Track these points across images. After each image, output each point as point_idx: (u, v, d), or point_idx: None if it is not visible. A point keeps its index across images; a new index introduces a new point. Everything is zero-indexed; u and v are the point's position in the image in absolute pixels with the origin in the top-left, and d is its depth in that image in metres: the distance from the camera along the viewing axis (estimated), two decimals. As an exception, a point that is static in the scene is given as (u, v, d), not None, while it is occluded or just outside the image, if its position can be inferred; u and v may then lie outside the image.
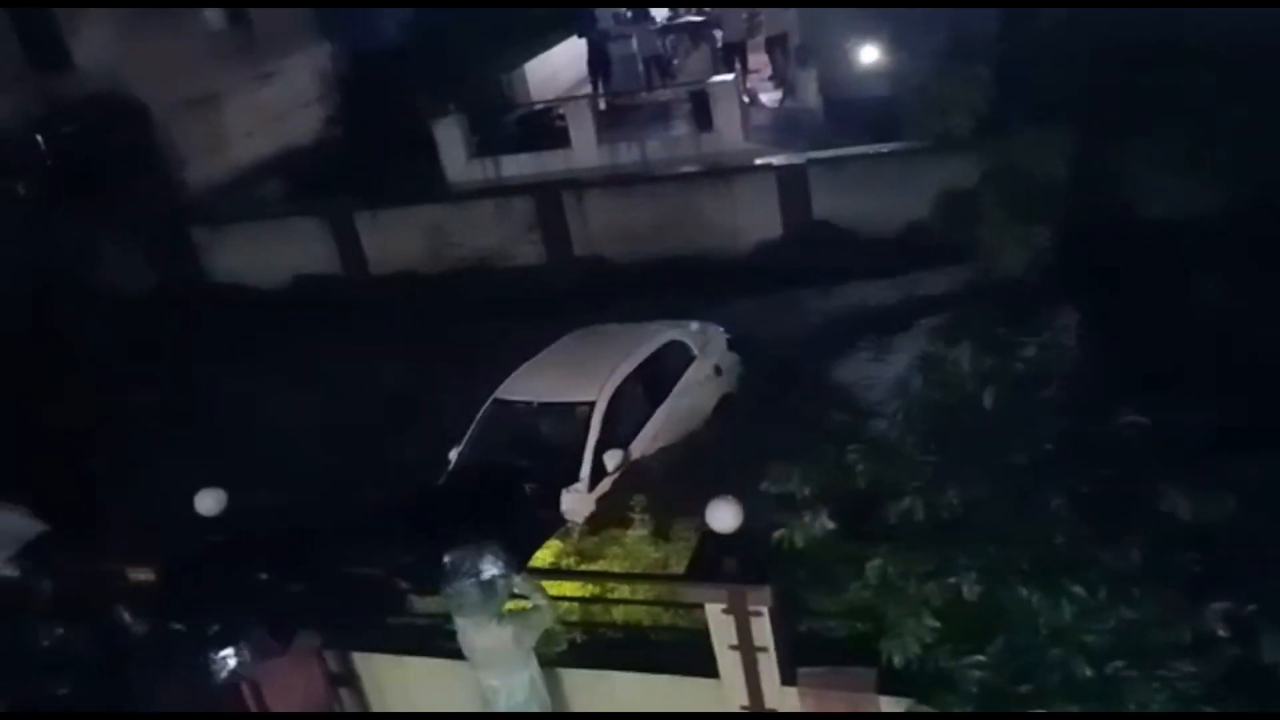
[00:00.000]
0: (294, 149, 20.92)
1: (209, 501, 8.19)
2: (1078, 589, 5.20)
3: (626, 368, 10.34)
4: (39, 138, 18.75)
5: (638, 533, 8.33)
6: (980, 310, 7.48)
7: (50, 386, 14.11)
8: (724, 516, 6.51)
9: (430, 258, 17.25)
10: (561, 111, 19.47)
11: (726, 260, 15.42)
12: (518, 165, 19.03)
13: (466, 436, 10.12)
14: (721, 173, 16.55)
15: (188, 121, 19.79)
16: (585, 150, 18.62)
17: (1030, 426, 5.86)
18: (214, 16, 21.28)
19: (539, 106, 20.67)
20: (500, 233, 17.12)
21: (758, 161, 16.69)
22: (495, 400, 10.21)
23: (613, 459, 9.64)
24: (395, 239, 17.75)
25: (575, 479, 9.50)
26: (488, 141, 19.55)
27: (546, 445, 9.88)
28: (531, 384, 10.38)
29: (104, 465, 11.96)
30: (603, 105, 20.29)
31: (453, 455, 10.08)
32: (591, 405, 9.88)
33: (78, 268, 17.20)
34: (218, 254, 18.68)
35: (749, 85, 19.53)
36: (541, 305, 14.75)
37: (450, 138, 19.23)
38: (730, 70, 19.07)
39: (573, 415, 9.89)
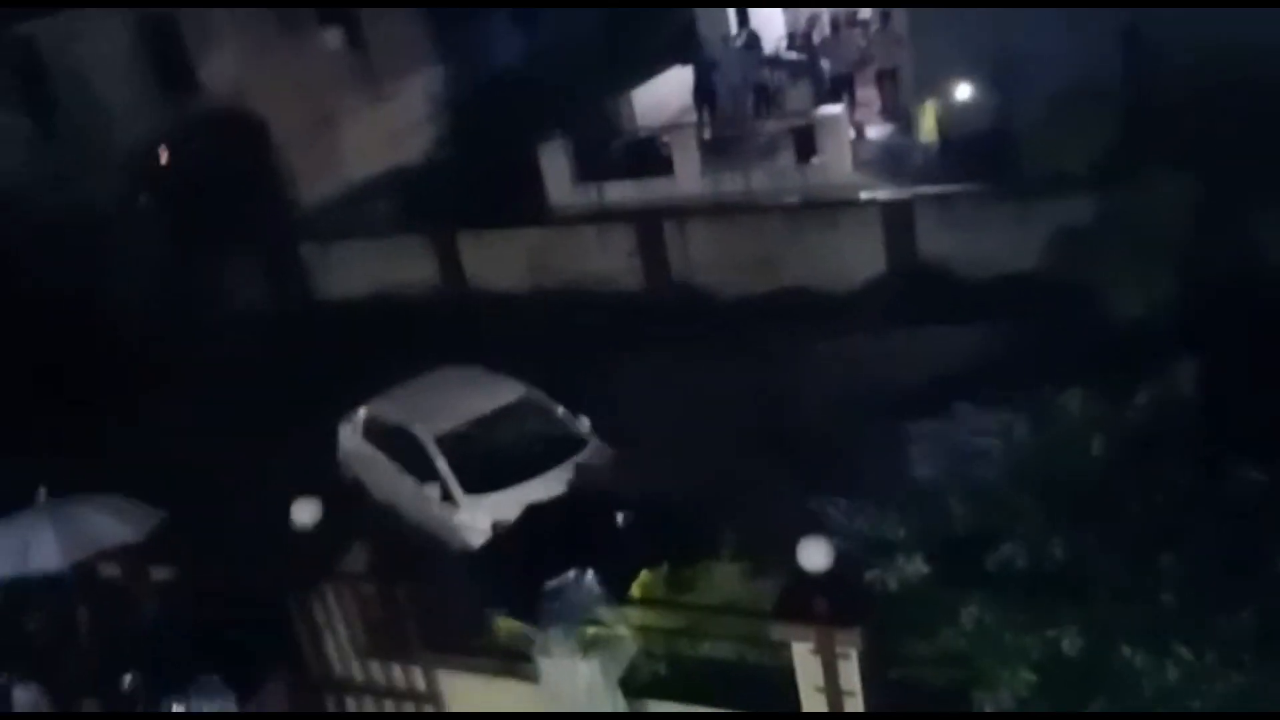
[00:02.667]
0: (404, 169, 21.45)
1: (305, 513, 8.45)
2: (1185, 651, 5.03)
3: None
4: (163, 151, 19.61)
5: (728, 566, 8.30)
6: (1093, 355, 7.31)
7: (156, 391, 14.73)
8: (815, 554, 6.44)
9: (530, 280, 17.51)
10: (666, 139, 19.61)
11: (827, 294, 15.31)
12: (621, 191, 19.21)
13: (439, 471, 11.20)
14: (826, 206, 16.47)
15: (304, 140, 20.49)
16: (689, 179, 18.70)
17: (1141, 478, 5.70)
18: (333, 38, 22.01)
19: (644, 134, 20.86)
20: (600, 258, 17.29)
21: (863, 195, 16.55)
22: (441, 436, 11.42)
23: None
24: (496, 260, 18.07)
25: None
26: (592, 167, 19.78)
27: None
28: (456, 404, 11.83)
29: (200, 477, 12.35)
30: (708, 134, 20.37)
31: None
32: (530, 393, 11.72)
33: (193, 277, 17.95)
34: (325, 270, 19.26)
35: (857, 118, 19.43)
36: (637, 332, 14.92)
37: (555, 162, 19.52)
38: (838, 102, 19.00)
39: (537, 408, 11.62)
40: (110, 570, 9.47)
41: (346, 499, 12.00)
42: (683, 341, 14.54)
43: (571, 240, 17.70)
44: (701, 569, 8.38)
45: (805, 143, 18.25)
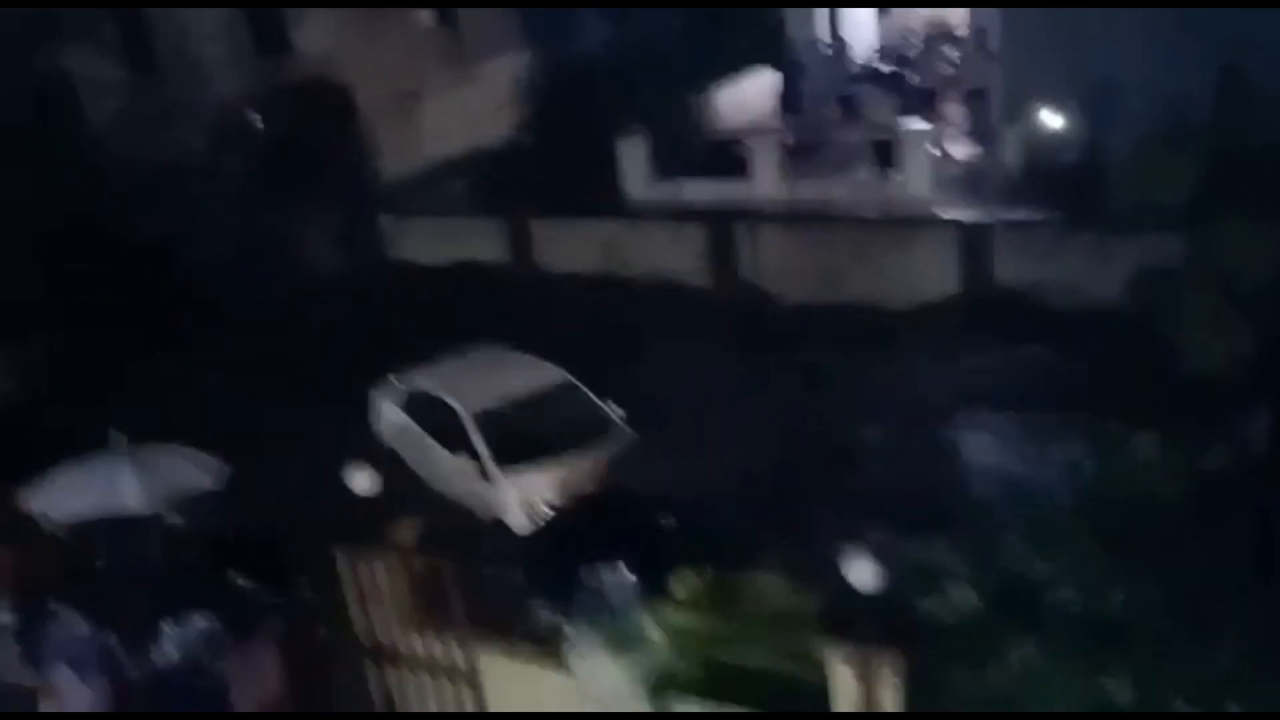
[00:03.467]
0: (483, 151, 21.54)
1: (362, 481, 8.57)
2: (1241, 713, 4.88)
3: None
4: (254, 116, 19.93)
5: (773, 577, 8.22)
6: (1168, 401, 7.13)
7: (219, 345, 15.04)
8: (863, 574, 6.39)
9: (599, 271, 17.53)
10: (747, 142, 19.49)
11: (895, 311, 15.12)
12: (697, 190, 19.11)
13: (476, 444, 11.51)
14: (903, 222, 16.26)
15: (389, 115, 20.69)
16: (766, 183, 18.56)
17: (1208, 531, 5.54)
18: (426, 16, 22.21)
19: (725, 134, 20.74)
20: (670, 255, 17.26)
21: (943, 214, 16.33)
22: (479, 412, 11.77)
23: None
24: (567, 248, 18.12)
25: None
26: (670, 163, 19.71)
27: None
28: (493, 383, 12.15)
29: (279, 435, 12.63)
30: (789, 140, 20.22)
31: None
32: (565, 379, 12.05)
33: (268, 238, 18.26)
34: (401, 243, 19.44)
35: (941, 136, 19.16)
36: (698, 331, 14.86)
37: (634, 156, 19.50)
38: (925, 119, 18.75)
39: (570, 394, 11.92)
40: (173, 518, 9.70)
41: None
42: (743, 344, 14.47)
43: (643, 235, 17.68)
44: (746, 577, 8.32)
45: (886, 156, 17.99)
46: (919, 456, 10.99)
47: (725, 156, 19.81)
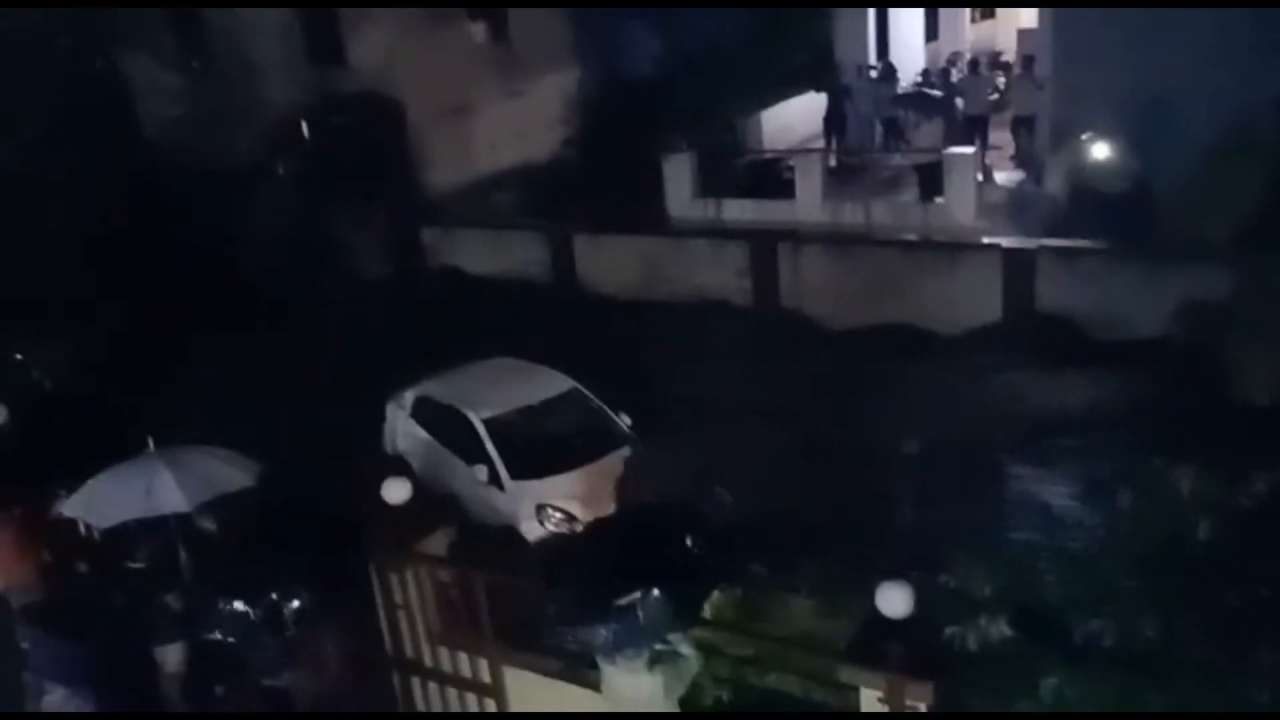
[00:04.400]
0: (529, 165, 21.68)
1: (396, 491, 8.59)
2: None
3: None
4: (304, 124, 20.18)
5: (804, 600, 8.13)
6: (1209, 434, 6.96)
7: (254, 350, 15.21)
8: (895, 601, 6.28)
9: (640, 287, 17.54)
10: (791, 163, 19.47)
11: (935, 336, 15.00)
12: (739, 210, 19.11)
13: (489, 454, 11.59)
14: (946, 247, 16.12)
15: (439, 127, 20.87)
16: (809, 204, 18.52)
17: (1247, 568, 5.38)
18: (478, 30, 22.40)
19: (770, 155, 20.75)
20: (711, 274, 17.23)
21: (985, 240, 16.17)
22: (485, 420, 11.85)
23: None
24: (609, 264, 18.15)
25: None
26: (714, 183, 19.72)
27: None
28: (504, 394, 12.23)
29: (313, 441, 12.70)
30: (833, 162, 20.16)
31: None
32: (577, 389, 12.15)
33: (314, 244, 18.48)
34: (443, 254, 19.57)
35: (986, 161, 19.01)
36: (737, 350, 14.82)
37: (678, 174, 19.52)
38: (969, 144, 18.60)
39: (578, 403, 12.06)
40: (205, 521, 9.76)
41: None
42: (781, 364, 14.40)
43: (685, 253, 17.65)
44: (776, 599, 8.23)
45: (931, 181, 17.91)
46: (956, 483, 10.86)
47: (769, 177, 19.82)
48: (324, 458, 11.90)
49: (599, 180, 19.94)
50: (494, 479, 11.54)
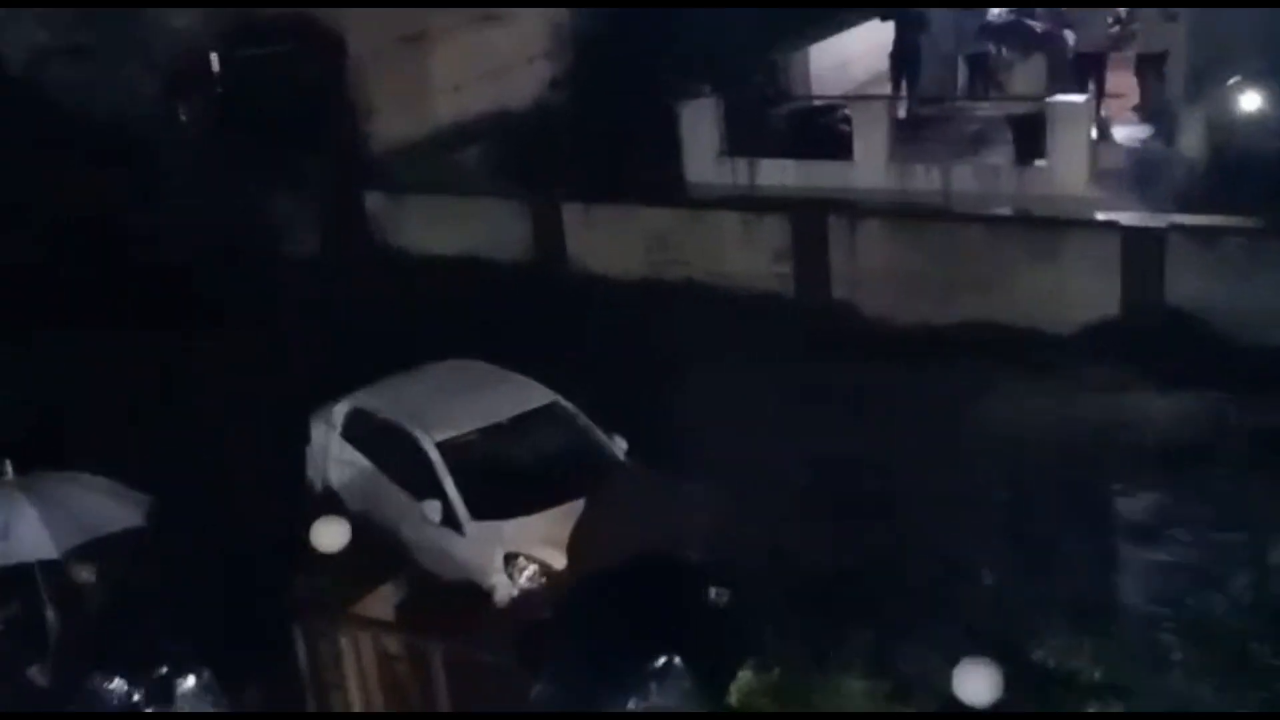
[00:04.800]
0: (506, 112, 21.70)
1: (330, 535, 8.65)
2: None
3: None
4: (214, 59, 20.21)
5: (856, 682, 8.19)
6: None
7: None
8: (977, 684, 6.34)
9: (646, 272, 17.64)
10: (848, 112, 19.51)
11: (1033, 339, 15.04)
12: (778, 173, 19.17)
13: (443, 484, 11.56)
14: (1048, 224, 16.13)
15: (389, 62, 20.89)
16: (871, 166, 18.60)
17: None
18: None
19: (819, 102, 20.79)
20: (741, 257, 17.28)
21: (1100, 216, 16.21)
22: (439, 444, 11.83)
23: None
24: (608, 242, 18.22)
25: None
26: (745, 138, 19.76)
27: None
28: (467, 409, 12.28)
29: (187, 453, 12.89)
30: (902, 112, 20.21)
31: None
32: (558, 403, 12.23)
33: (226, 212, 18.55)
34: (391, 228, 19.71)
35: (1103, 113, 19.06)
36: (774, 353, 14.91)
37: (699, 126, 19.59)
38: (1081, 89, 18.63)
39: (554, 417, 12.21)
40: (80, 571, 9.79)
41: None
42: (829, 373, 14.49)
43: (707, 229, 17.69)
44: (822, 681, 8.28)
45: (1030, 138, 17.96)
46: (1055, 533, 10.90)
47: (818, 131, 19.86)
48: (236, 490, 11.94)
49: (596, 134, 20.00)
50: (450, 519, 11.40)
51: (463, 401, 12.44)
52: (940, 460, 12.47)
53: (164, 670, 8.83)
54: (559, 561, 10.82)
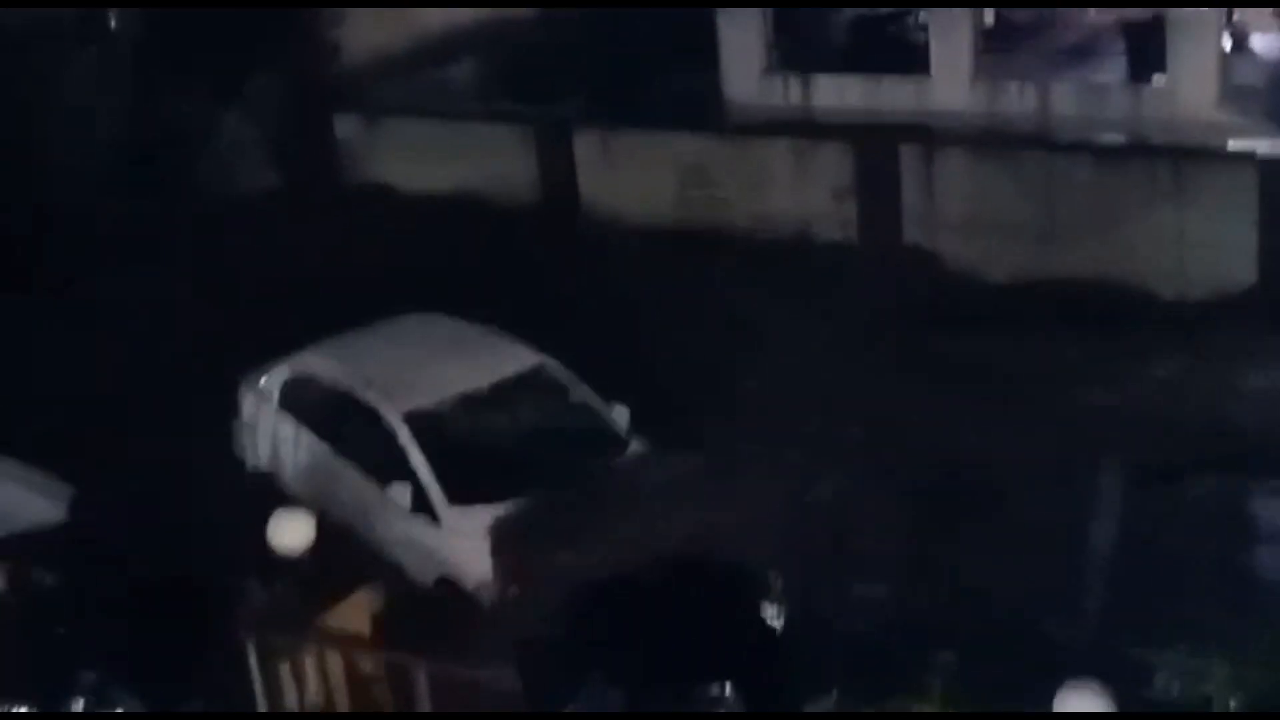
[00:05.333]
0: (506, 21, 21.67)
1: (291, 532, 8.67)
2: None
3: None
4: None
5: (939, 711, 8.21)
6: None
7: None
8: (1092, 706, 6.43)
9: (677, 210, 17.65)
10: (923, 19, 19.43)
11: (1151, 299, 15.07)
12: (838, 92, 19.12)
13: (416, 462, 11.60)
14: (1168, 154, 16.08)
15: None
16: (951, 84, 18.56)
17: None
18: None
19: (888, 8, 20.71)
20: (791, 193, 17.25)
21: (1232, 144, 16.14)
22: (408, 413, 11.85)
23: None
24: (629, 174, 18.20)
25: None
26: (798, 49, 19.71)
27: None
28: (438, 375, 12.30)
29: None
30: (989, 18, 20.10)
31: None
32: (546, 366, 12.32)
33: (166, 135, 18.59)
34: (369, 157, 19.75)
35: (1237, 20, 18.92)
36: (833, 310, 14.91)
37: (742, 35, 19.50)
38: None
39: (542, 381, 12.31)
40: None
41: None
42: (902, 336, 14.57)
43: (751, 160, 17.70)
44: (895, 709, 8.29)
45: (1146, 50, 17.87)
46: (1176, 532, 10.92)
47: (886, 41, 19.79)
48: (174, 477, 11.97)
49: (614, 45, 19.97)
50: (423, 505, 11.48)
51: (432, 366, 12.45)
52: (1035, 439, 12.47)
53: (87, 693, 8.86)
54: (558, 557, 10.61)
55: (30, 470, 10.52)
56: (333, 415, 12.39)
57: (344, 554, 9.37)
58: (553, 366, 12.33)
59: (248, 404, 13.20)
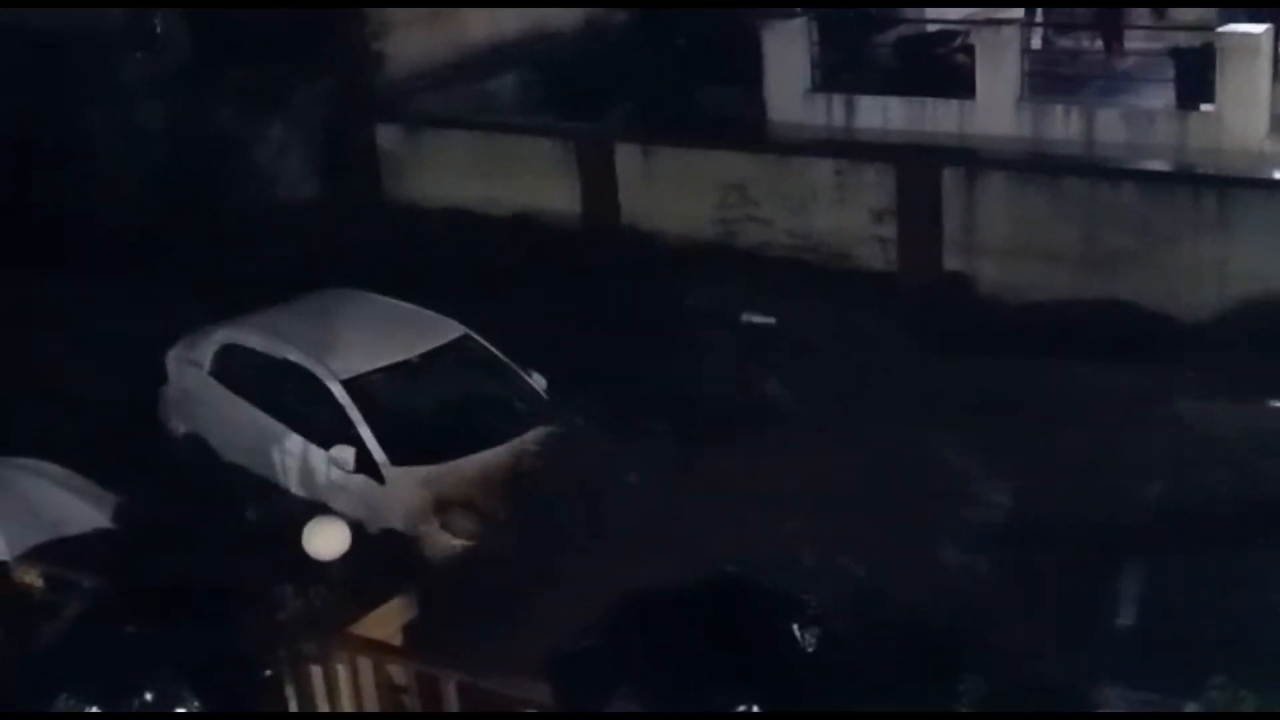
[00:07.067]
0: (546, 32, 21.71)
1: (327, 538, 8.73)
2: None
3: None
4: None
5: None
6: None
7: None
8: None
9: (715, 231, 17.69)
10: (969, 40, 19.41)
11: (1197, 326, 14.99)
12: (882, 113, 19.11)
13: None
14: (1216, 183, 15.98)
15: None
16: (996, 107, 18.54)
17: None
18: None
19: (935, 28, 20.68)
20: (833, 212, 17.26)
21: (1280, 175, 16.13)
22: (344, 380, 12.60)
23: None
24: (669, 190, 18.23)
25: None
26: (843, 69, 19.70)
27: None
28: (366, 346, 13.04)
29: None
30: (1037, 41, 20.05)
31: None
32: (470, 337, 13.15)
33: (201, 140, 18.80)
34: (408, 166, 19.86)
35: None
36: (873, 329, 14.95)
37: (787, 54, 19.53)
38: (1261, 19, 18.40)
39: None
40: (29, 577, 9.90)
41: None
42: (942, 356, 14.53)
43: (791, 178, 17.69)
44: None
45: (1195, 77, 17.82)
46: (1212, 551, 10.68)
47: (932, 62, 19.75)
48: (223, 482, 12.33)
49: (662, 62, 19.98)
50: (366, 466, 12.17)
51: (365, 336, 13.27)
52: (1068, 459, 12.37)
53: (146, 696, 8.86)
54: (499, 511, 11.65)
55: (75, 476, 10.64)
56: (270, 383, 13.15)
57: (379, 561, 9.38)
58: (475, 337, 13.29)
59: (176, 370, 13.92)
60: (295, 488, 12.61)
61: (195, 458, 13.47)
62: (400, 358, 12.94)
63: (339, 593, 8.91)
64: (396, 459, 12.21)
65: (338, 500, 12.09)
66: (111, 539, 10.18)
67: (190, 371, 13.73)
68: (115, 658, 8.73)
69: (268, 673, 8.70)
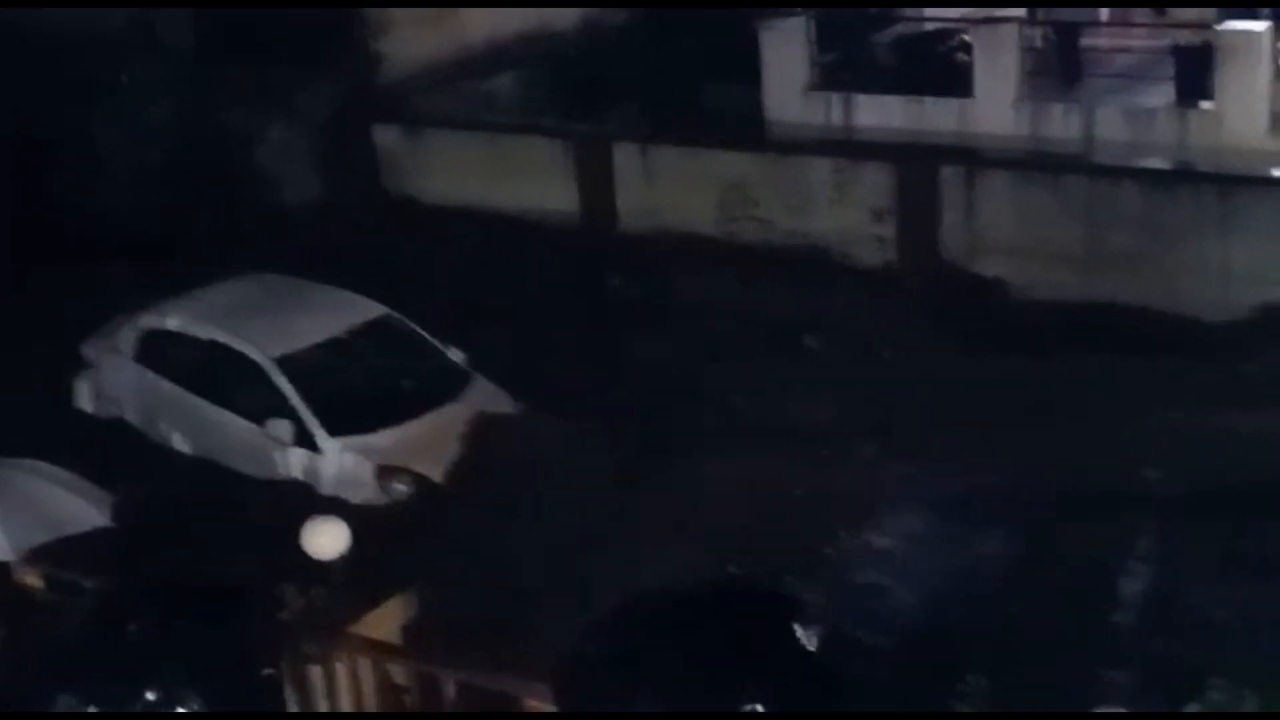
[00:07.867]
0: (546, 32, 21.68)
1: (325, 537, 8.74)
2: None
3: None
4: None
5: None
6: None
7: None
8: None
9: (713, 230, 17.68)
10: (968, 37, 19.43)
11: (1203, 329, 14.95)
12: (880, 112, 19.11)
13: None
14: (1217, 182, 15.99)
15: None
16: (994, 106, 18.55)
17: None
18: None
19: (934, 26, 20.69)
20: (832, 212, 17.25)
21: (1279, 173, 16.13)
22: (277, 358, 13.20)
23: None
24: (667, 190, 18.21)
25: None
26: (841, 68, 19.69)
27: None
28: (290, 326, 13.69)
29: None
30: (1038, 40, 20.07)
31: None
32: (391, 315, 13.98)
33: (206, 138, 18.88)
34: (405, 165, 19.84)
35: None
36: (873, 331, 14.95)
37: (785, 52, 19.52)
38: (1264, 16, 18.42)
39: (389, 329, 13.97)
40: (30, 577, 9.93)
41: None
42: (942, 357, 14.55)
43: (790, 177, 17.67)
44: None
45: (1195, 74, 17.85)
46: (1210, 549, 10.74)
47: (930, 60, 19.76)
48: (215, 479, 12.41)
49: (661, 61, 19.98)
50: (304, 439, 12.86)
51: (290, 315, 13.97)
52: (1064, 455, 12.35)
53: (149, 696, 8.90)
54: (435, 474, 12.52)
55: (73, 475, 10.69)
56: (199, 365, 13.66)
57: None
58: (396, 315, 14.06)
59: (97, 357, 14.40)
60: (231, 463, 13.12)
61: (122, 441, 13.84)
62: (329, 335, 13.68)
63: (339, 593, 8.94)
64: (334, 430, 12.90)
65: (277, 473, 12.98)
66: (112, 539, 10.19)
67: (112, 358, 14.15)
68: (116, 657, 8.78)
69: (268, 672, 8.76)
